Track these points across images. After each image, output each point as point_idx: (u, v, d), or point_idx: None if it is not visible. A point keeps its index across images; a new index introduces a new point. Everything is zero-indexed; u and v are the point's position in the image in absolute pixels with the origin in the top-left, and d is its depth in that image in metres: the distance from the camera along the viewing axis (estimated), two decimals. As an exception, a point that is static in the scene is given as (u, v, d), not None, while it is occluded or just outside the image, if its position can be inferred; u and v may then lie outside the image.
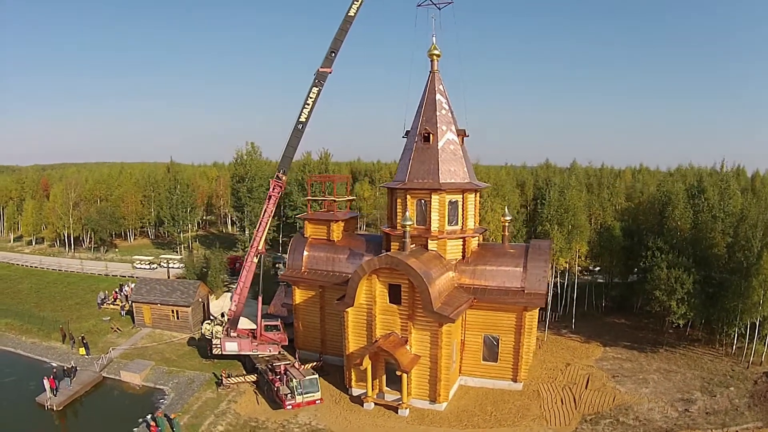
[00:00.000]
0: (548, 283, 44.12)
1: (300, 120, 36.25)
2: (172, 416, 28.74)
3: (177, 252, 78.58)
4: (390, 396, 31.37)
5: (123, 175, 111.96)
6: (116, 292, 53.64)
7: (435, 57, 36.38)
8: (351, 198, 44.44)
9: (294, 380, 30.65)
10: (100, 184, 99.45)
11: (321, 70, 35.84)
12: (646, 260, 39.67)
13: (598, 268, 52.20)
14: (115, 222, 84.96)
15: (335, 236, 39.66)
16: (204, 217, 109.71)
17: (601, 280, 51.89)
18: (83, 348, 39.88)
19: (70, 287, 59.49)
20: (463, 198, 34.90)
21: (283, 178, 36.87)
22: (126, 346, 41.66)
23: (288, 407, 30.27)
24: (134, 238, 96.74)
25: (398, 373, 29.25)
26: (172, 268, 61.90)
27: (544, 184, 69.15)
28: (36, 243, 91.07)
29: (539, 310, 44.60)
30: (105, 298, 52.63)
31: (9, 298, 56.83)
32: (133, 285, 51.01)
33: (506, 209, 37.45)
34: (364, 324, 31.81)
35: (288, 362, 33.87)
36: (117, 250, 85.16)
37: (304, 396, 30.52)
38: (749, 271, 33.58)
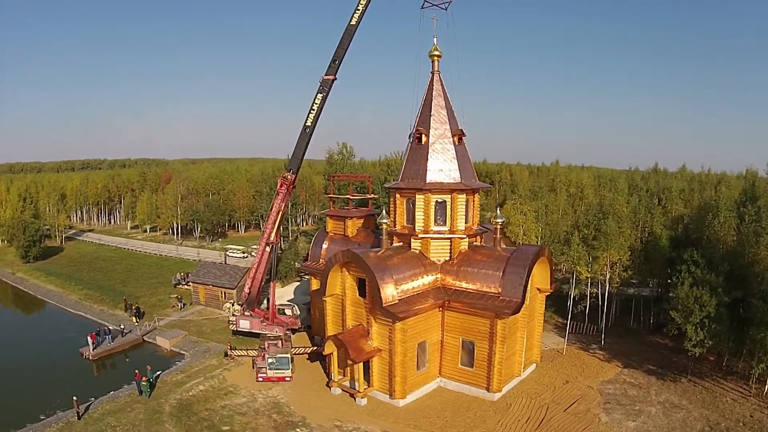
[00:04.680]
0: (565, 290, 41.19)
1: (306, 124, 39.33)
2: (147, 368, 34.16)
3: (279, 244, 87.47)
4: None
5: (239, 171, 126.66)
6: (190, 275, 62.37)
7: (436, 58, 36.59)
8: (370, 197, 46.30)
9: (269, 357, 33.89)
10: (213, 179, 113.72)
11: (325, 77, 38.34)
12: (679, 275, 34.89)
13: (634, 281, 46.53)
14: (221, 214, 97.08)
15: (350, 232, 42.15)
16: (317, 213, 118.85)
17: (646, 294, 46.18)
18: (134, 317, 48.00)
19: (161, 269, 70.25)
20: (452, 198, 34.69)
21: (290, 176, 40.28)
22: (174, 317, 49.00)
23: (259, 379, 33.72)
24: (245, 230, 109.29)
25: (349, 362, 30.65)
26: (230, 257, 70.78)
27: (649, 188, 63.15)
28: (150, 231, 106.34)
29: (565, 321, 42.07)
30: (180, 279, 61.61)
31: (102, 274, 69.34)
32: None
33: (498, 211, 36.00)
34: (340, 313, 33.75)
35: (275, 341, 37.21)
36: (220, 240, 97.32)
37: (275, 372, 33.63)
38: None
